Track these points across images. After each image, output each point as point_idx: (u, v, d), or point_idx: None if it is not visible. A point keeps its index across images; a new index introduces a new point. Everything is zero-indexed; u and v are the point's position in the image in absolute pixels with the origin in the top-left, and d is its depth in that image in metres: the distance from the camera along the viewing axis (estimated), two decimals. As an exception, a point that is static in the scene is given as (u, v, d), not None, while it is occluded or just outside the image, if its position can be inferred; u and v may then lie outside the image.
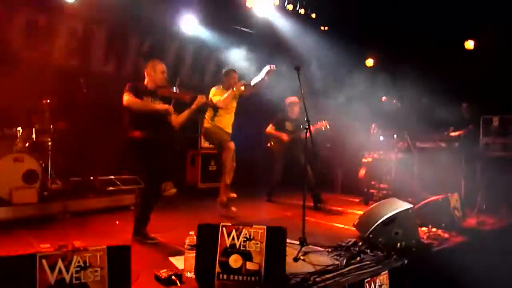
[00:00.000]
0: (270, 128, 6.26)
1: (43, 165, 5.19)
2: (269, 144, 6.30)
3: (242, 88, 5.14)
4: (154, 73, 4.01)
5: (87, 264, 2.10)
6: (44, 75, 5.67)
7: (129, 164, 5.49)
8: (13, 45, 5.71)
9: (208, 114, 5.29)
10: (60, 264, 2.05)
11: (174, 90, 4.05)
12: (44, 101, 5.32)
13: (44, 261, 2.01)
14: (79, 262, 2.08)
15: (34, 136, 5.23)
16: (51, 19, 5.97)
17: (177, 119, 4.15)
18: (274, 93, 5.93)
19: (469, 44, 7.55)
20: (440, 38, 7.09)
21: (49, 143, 5.34)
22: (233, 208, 5.24)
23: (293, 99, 6.16)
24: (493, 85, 6.69)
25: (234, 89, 5.08)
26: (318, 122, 5.95)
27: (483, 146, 6.23)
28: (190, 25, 6.91)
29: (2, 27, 5.54)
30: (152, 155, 3.83)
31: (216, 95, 5.19)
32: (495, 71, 6.64)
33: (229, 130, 5.39)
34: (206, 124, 5.34)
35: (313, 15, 7.46)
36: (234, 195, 5.27)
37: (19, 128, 5.11)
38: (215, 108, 5.16)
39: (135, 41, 6.88)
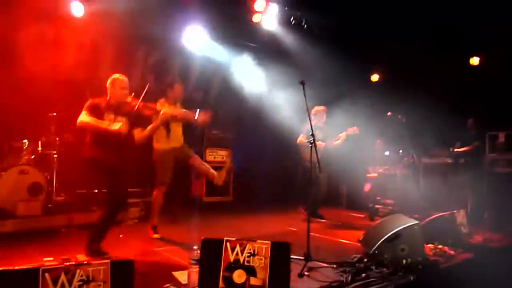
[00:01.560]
0: (302, 138, 5.89)
1: (48, 177, 5.21)
2: (303, 155, 5.91)
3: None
4: (113, 89, 3.86)
5: (90, 278, 2.09)
6: (51, 88, 5.72)
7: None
8: (20, 58, 5.78)
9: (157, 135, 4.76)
10: (63, 278, 2.04)
11: (138, 104, 3.88)
12: (50, 114, 5.37)
13: (46, 275, 2.01)
14: (82, 276, 2.07)
15: (40, 148, 5.26)
16: (58, 32, 6.06)
17: (140, 135, 4.02)
18: (279, 107, 5.94)
19: (474, 61, 7.56)
20: (446, 54, 7.12)
21: (55, 156, 5.37)
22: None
23: (320, 107, 6.13)
24: (499, 101, 6.68)
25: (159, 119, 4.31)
26: (348, 129, 5.93)
27: (489, 162, 6.19)
28: (196, 39, 6.99)
29: (10, 40, 5.62)
30: (110, 176, 3.74)
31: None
32: (500, 87, 6.63)
33: (177, 143, 4.86)
34: (156, 144, 4.82)
35: (317, 30, 7.51)
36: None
37: (25, 141, 5.15)
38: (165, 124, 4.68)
39: (142, 54, 6.95)
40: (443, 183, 5.91)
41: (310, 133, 3.98)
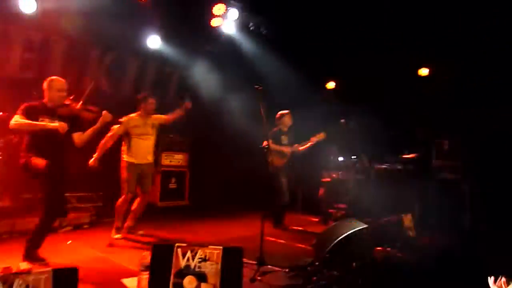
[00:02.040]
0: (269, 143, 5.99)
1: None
2: (269, 160, 5.94)
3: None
4: (50, 91, 3.75)
5: (30, 288, 1.99)
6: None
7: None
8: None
9: (124, 147, 5.00)
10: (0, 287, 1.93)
11: (80, 108, 3.81)
12: (-5, 114, 5.06)
13: (-18, 285, 1.89)
14: (21, 285, 1.97)
15: (-18, 150, 4.95)
16: (6, 29, 5.75)
17: (80, 137, 3.89)
18: (235, 112, 5.96)
19: (423, 72, 7.95)
20: (397, 64, 7.44)
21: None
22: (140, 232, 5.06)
23: (285, 111, 6.09)
24: (446, 110, 7.06)
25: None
26: (316, 135, 5.96)
27: (435, 169, 6.51)
28: (153, 41, 6.88)
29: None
30: (47, 183, 3.61)
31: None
32: (448, 97, 7.02)
33: (145, 159, 4.99)
34: (123, 156, 4.98)
35: (275, 36, 7.61)
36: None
37: (-34, 142, 4.83)
38: (128, 136, 4.90)
39: (96, 54, 6.74)
40: (393, 188, 6.14)
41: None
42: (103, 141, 4.65)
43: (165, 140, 6.98)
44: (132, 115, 5.02)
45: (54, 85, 3.76)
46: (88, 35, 6.19)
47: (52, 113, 3.70)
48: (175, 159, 7.04)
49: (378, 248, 4.34)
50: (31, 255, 3.59)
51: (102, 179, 6.34)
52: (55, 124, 3.60)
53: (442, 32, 6.79)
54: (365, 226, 3.91)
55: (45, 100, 3.76)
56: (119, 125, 4.82)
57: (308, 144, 5.98)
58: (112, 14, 6.09)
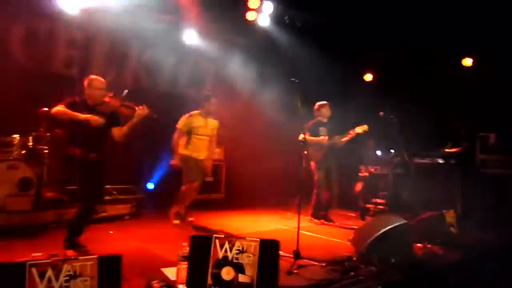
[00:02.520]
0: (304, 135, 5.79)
1: (39, 173, 5.17)
2: (305, 152, 5.43)
3: None
4: (90, 89, 3.91)
5: (77, 274, 2.09)
6: (43, 83, 5.68)
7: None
8: (12, 53, 5.73)
9: (182, 141, 5.25)
10: (50, 273, 2.03)
11: (118, 104, 3.97)
12: (42, 110, 5.32)
13: (33, 270, 2.00)
14: (69, 271, 2.07)
15: (31, 144, 5.21)
16: (51, 27, 6.01)
17: (119, 132, 4.03)
18: (271, 105, 5.94)
19: (467, 62, 7.61)
20: (439, 55, 7.16)
21: (45, 152, 5.32)
22: (190, 218, 5.39)
23: (323, 102, 6.04)
24: (491, 102, 6.73)
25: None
26: (356, 127, 5.87)
27: (480, 163, 6.24)
28: (189, 36, 6.98)
29: (2, 35, 5.57)
30: (86, 173, 3.80)
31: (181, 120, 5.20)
32: (492, 89, 6.68)
33: (201, 155, 5.27)
34: (180, 150, 5.24)
35: (311, 29, 7.51)
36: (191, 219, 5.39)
37: (17, 136, 5.10)
38: (189, 134, 5.21)
39: (135, 51, 6.92)
40: (434, 183, 5.95)
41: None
42: (174, 142, 5.19)
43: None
44: (194, 112, 5.27)
45: (94, 84, 3.92)
46: (127, 32, 6.36)
47: (91, 110, 3.85)
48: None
49: (418, 244, 4.22)
50: (71, 243, 3.77)
51: (143, 171, 6.56)
52: (87, 115, 3.73)
53: (486, 20, 6.47)
54: (405, 221, 3.81)
55: (85, 97, 3.93)
56: (183, 123, 5.16)
57: (348, 137, 5.86)
58: (149, 11, 6.25)
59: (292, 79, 3.98)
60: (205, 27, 7.03)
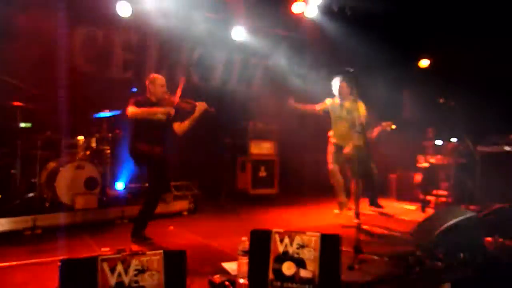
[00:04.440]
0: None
1: (103, 172, 5.44)
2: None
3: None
4: (153, 87, 4.19)
5: (145, 268, 2.16)
6: (103, 87, 5.97)
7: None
8: (74, 60, 6.07)
9: None
10: (119, 267, 2.12)
11: (178, 100, 4.19)
12: (102, 111, 5.59)
13: (105, 264, 2.09)
14: (137, 265, 2.15)
15: (94, 144, 5.50)
16: (108, 34, 6.29)
17: (180, 127, 4.25)
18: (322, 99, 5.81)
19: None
20: (501, 38, 6.65)
21: (108, 152, 5.59)
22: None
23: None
24: None
25: None
26: (382, 123, 5.67)
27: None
28: (238, 33, 7.01)
29: (64, 43, 5.90)
30: (154, 167, 4.07)
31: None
32: None
33: (341, 140, 5.36)
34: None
35: (361, 16, 7.26)
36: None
37: (81, 137, 5.40)
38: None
39: (186, 50, 7.08)
40: (502, 173, 5.54)
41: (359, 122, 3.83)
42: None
43: (253, 129, 7.09)
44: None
45: (157, 81, 4.21)
46: (177, 31, 6.51)
47: (155, 106, 4.15)
48: (264, 148, 7.11)
49: (488, 238, 3.95)
50: (138, 235, 3.99)
51: (197, 167, 6.70)
52: (165, 108, 4.09)
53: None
54: (474, 214, 3.58)
55: (148, 95, 4.23)
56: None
57: (375, 133, 5.62)
58: (198, 9, 6.35)
59: (347, 69, 3.86)
60: (253, 23, 7.03)
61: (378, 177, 6.02)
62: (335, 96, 5.35)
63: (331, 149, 5.53)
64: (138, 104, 4.05)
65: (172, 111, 4.12)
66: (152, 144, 4.09)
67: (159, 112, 4.08)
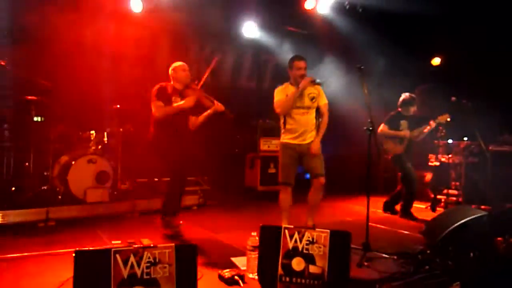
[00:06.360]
0: (383, 128, 5.46)
1: (114, 166, 5.50)
2: (385, 147, 5.50)
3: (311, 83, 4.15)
4: (177, 73, 4.16)
5: (157, 261, 2.19)
6: (114, 82, 6.02)
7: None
8: (85, 56, 6.12)
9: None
10: (132, 259, 2.15)
11: (201, 94, 4.18)
12: (114, 107, 5.65)
13: (118, 256, 2.13)
14: (149, 258, 2.18)
15: (105, 139, 5.56)
16: (120, 29, 6.33)
17: (194, 122, 4.31)
18: (333, 96, 5.79)
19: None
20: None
21: (119, 146, 5.65)
22: None
23: (407, 94, 5.52)
24: None
25: (300, 86, 4.07)
26: (430, 122, 5.39)
27: None
28: (248, 29, 7.02)
29: (76, 39, 5.96)
30: (171, 155, 4.03)
31: (276, 96, 4.25)
32: None
33: (299, 140, 4.40)
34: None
35: (373, 14, 7.20)
36: None
37: (93, 132, 5.46)
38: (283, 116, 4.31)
39: (196, 46, 7.10)
40: (513, 173, 5.49)
41: (369, 120, 3.79)
42: None
43: (262, 126, 7.10)
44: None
45: (179, 67, 4.19)
46: (189, 28, 6.54)
47: (181, 93, 4.14)
48: (273, 144, 7.11)
49: (499, 238, 3.92)
50: (168, 224, 4.06)
51: (206, 163, 6.74)
52: (188, 103, 4.02)
53: None
54: (484, 213, 3.56)
55: (173, 82, 4.19)
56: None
57: (428, 128, 5.36)
58: (209, 5, 6.36)
59: (358, 65, 3.84)
60: (264, 19, 7.03)
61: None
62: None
63: None
64: (161, 95, 4.00)
65: (191, 103, 4.04)
66: (172, 134, 4.07)
67: (185, 107, 4.02)
